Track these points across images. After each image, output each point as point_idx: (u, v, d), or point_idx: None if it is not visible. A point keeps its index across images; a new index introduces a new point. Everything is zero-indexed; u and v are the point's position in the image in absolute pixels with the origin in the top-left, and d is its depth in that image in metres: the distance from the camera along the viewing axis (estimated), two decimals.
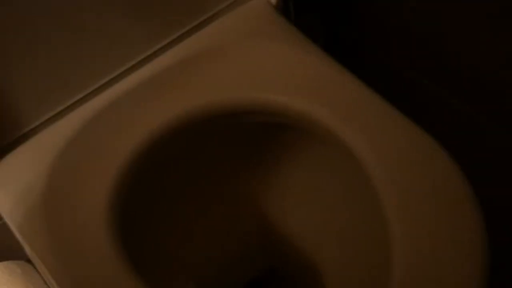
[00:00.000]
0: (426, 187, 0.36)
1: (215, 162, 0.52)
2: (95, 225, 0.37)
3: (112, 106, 0.42)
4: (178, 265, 0.52)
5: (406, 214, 0.35)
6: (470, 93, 0.50)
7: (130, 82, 0.44)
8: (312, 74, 0.44)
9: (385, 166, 0.37)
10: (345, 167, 0.45)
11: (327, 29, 0.62)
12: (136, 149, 0.40)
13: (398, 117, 0.40)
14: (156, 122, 0.41)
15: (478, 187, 0.36)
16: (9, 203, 0.39)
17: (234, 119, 0.46)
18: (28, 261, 0.54)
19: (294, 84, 0.44)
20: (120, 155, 0.40)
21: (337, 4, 0.59)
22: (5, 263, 0.54)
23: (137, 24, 0.44)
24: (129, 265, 0.35)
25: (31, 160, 0.41)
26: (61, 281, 0.35)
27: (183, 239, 0.52)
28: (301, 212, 0.53)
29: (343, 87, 0.43)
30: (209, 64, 0.45)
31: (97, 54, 0.43)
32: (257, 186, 0.55)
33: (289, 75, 0.44)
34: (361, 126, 0.40)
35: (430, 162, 0.37)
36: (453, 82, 0.51)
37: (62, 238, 0.37)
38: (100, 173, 0.39)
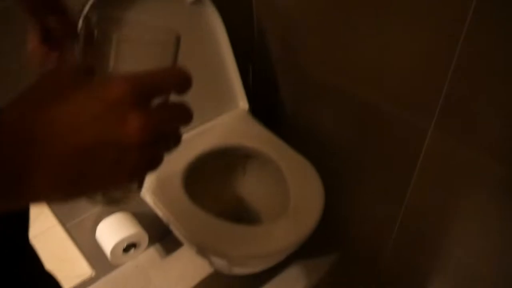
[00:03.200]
0: (304, 175, 0.94)
1: (221, 168, 1.09)
2: (176, 180, 0.91)
3: (184, 141, 0.94)
4: (209, 203, 0.96)
5: (295, 185, 0.92)
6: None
7: (191, 133, 1.04)
8: (263, 136, 1.06)
9: (289, 170, 0.96)
10: (274, 171, 1.01)
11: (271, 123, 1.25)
12: (196, 155, 0.98)
13: (295, 153, 1.00)
14: (204, 147, 1.00)
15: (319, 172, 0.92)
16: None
17: (229, 151, 1.05)
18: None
19: (256, 139, 1.05)
20: (190, 156, 0.97)
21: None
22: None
23: (196, 115, 1.04)
24: (188, 196, 0.90)
25: None
26: (161, 203, 0.88)
27: (209, 193, 1.00)
28: (254, 190, 1.13)
29: (276, 142, 1.04)
30: (217, 132, 1.06)
31: None
32: (237, 178, 1.14)
33: (253, 135, 1.06)
34: (282, 156, 1.00)
35: (305, 167, 0.97)
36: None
37: (161, 184, 0.90)
38: (182, 159, 0.96)
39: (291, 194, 0.90)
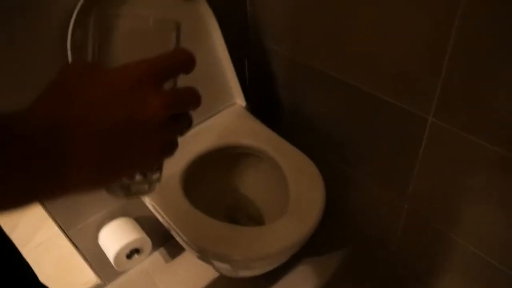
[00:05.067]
0: (304, 172, 0.91)
1: (220, 168, 1.06)
2: (175, 179, 0.89)
3: (181, 143, 0.95)
4: (209, 202, 0.96)
5: (295, 182, 0.89)
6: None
7: (188, 134, 0.95)
8: (261, 133, 1.04)
9: (289, 167, 0.93)
10: (273, 168, 0.98)
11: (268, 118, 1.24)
12: (193, 156, 0.96)
13: (294, 150, 0.97)
14: (201, 147, 0.98)
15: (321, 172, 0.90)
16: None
17: (227, 150, 1.02)
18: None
19: (254, 136, 1.02)
20: (188, 157, 0.95)
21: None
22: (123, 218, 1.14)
23: None
24: (187, 199, 0.87)
25: None
26: (156, 202, 0.86)
27: (210, 193, 1.03)
28: (254, 188, 1.10)
29: (274, 138, 1.01)
30: (214, 131, 1.03)
31: None
32: (236, 177, 1.11)
33: (251, 133, 1.03)
34: (281, 153, 0.96)
35: (305, 164, 0.94)
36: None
37: (160, 188, 0.88)
38: (179, 161, 0.93)
39: (291, 192, 0.88)
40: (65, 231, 1.05)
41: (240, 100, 1.09)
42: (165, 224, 0.88)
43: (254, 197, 1.09)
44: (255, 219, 1.05)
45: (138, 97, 0.25)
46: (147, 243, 1.12)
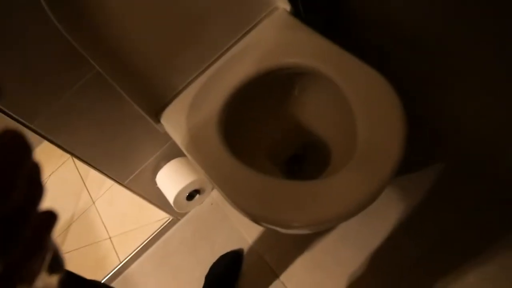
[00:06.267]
0: (373, 93, 0.67)
1: (270, 94, 0.87)
2: (211, 125, 0.74)
3: (216, 74, 0.81)
4: (255, 147, 0.88)
5: (362, 108, 0.67)
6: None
7: (222, 60, 0.82)
8: (315, 46, 0.76)
9: (354, 91, 0.69)
10: (332, 91, 0.74)
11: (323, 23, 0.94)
12: (232, 90, 0.77)
13: (359, 63, 0.71)
14: (240, 77, 0.78)
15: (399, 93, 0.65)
16: (173, 125, 0.79)
17: (278, 72, 0.79)
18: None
19: (307, 52, 0.76)
20: (225, 93, 0.77)
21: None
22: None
23: (222, 34, 0.81)
24: (227, 148, 0.72)
25: (184, 99, 0.81)
26: (193, 156, 0.73)
27: (257, 134, 0.89)
28: (314, 117, 0.89)
29: (332, 52, 0.74)
30: (254, 51, 0.80)
31: (205, 50, 0.81)
32: (291, 105, 0.90)
33: (302, 46, 0.77)
34: (343, 72, 0.72)
35: (374, 81, 0.68)
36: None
37: (193, 132, 0.75)
38: (215, 100, 0.77)
39: (359, 127, 0.66)
40: (121, 183, 1.00)
41: (282, 3, 0.82)
42: (209, 182, 0.75)
43: (317, 130, 0.89)
44: (322, 158, 0.86)
45: None
46: (206, 182, 1.03)
